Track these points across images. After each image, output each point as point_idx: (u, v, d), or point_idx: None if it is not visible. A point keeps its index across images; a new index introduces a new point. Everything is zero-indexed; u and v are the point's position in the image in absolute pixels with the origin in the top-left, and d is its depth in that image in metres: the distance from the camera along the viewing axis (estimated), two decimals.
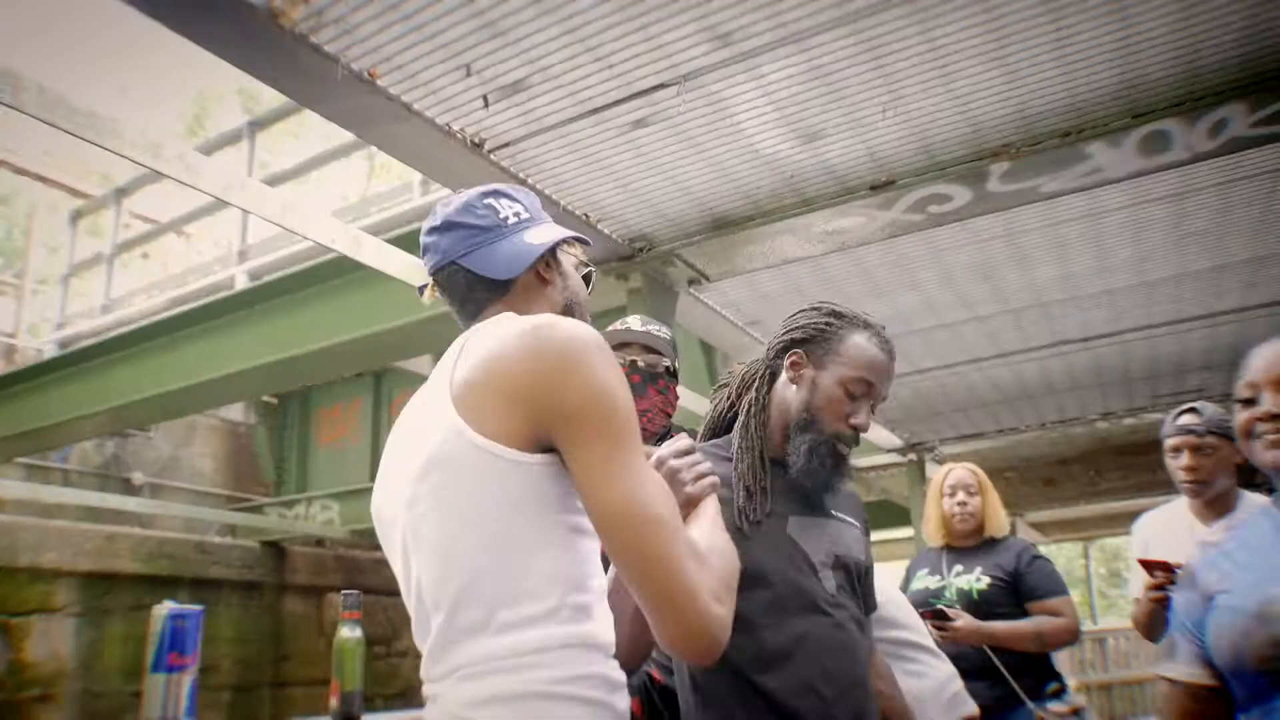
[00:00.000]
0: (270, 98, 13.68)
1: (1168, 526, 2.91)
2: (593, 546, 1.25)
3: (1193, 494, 2.77)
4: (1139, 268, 4.24)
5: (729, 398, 1.92)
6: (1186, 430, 2.76)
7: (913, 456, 7.27)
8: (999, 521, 3.58)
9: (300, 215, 3.28)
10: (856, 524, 1.87)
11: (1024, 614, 3.28)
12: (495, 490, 1.19)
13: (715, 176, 3.31)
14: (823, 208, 3.43)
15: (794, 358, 1.79)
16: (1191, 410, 2.79)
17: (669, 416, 2.44)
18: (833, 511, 1.82)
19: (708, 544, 1.24)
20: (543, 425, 1.19)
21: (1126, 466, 8.12)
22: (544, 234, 1.46)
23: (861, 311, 1.85)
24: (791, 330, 1.84)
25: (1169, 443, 2.82)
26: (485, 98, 2.86)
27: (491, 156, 3.13)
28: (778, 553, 1.70)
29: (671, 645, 1.16)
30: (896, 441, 7.06)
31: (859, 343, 1.76)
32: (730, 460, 1.78)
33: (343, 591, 2.07)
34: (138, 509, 9.57)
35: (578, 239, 1.54)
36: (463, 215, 1.44)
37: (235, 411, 13.26)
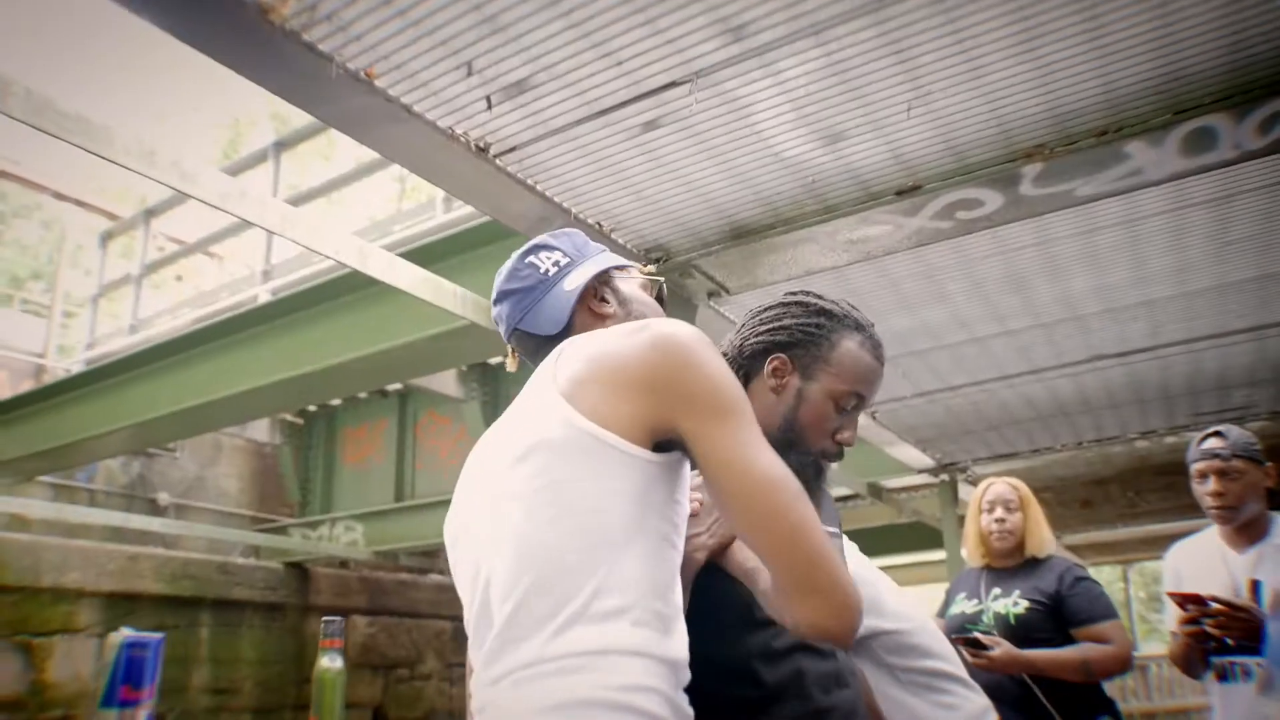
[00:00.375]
0: (299, 119, 13.77)
1: (1199, 556, 2.82)
2: (677, 561, 1.24)
3: (1222, 520, 2.69)
4: (1179, 278, 4.04)
5: None
6: (1212, 454, 2.70)
7: (945, 477, 7.04)
8: (1041, 540, 3.40)
9: (304, 226, 3.17)
10: (836, 531, 1.72)
11: (1068, 640, 3.10)
12: (600, 479, 1.18)
13: (733, 182, 3.17)
14: (846, 214, 3.28)
15: (776, 363, 1.61)
16: (1216, 434, 2.73)
17: None
18: None
19: None
20: (665, 415, 1.21)
21: (1167, 487, 7.84)
22: (581, 275, 1.51)
23: (850, 305, 1.67)
24: (774, 331, 1.65)
25: (1195, 468, 2.76)
26: (488, 99, 2.74)
27: (498, 161, 3.02)
28: None
29: (815, 621, 1.12)
30: (928, 462, 6.84)
31: (851, 350, 1.60)
32: None
33: (324, 618, 1.93)
34: (160, 529, 9.54)
35: (620, 266, 1.60)
36: (509, 283, 1.52)
37: (261, 431, 13.27)
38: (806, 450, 1.57)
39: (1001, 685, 2.97)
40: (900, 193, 3.16)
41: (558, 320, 1.45)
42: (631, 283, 1.57)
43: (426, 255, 5.16)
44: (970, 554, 3.51)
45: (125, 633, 1.55)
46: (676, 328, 1.29)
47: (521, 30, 2.47)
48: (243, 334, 6.64)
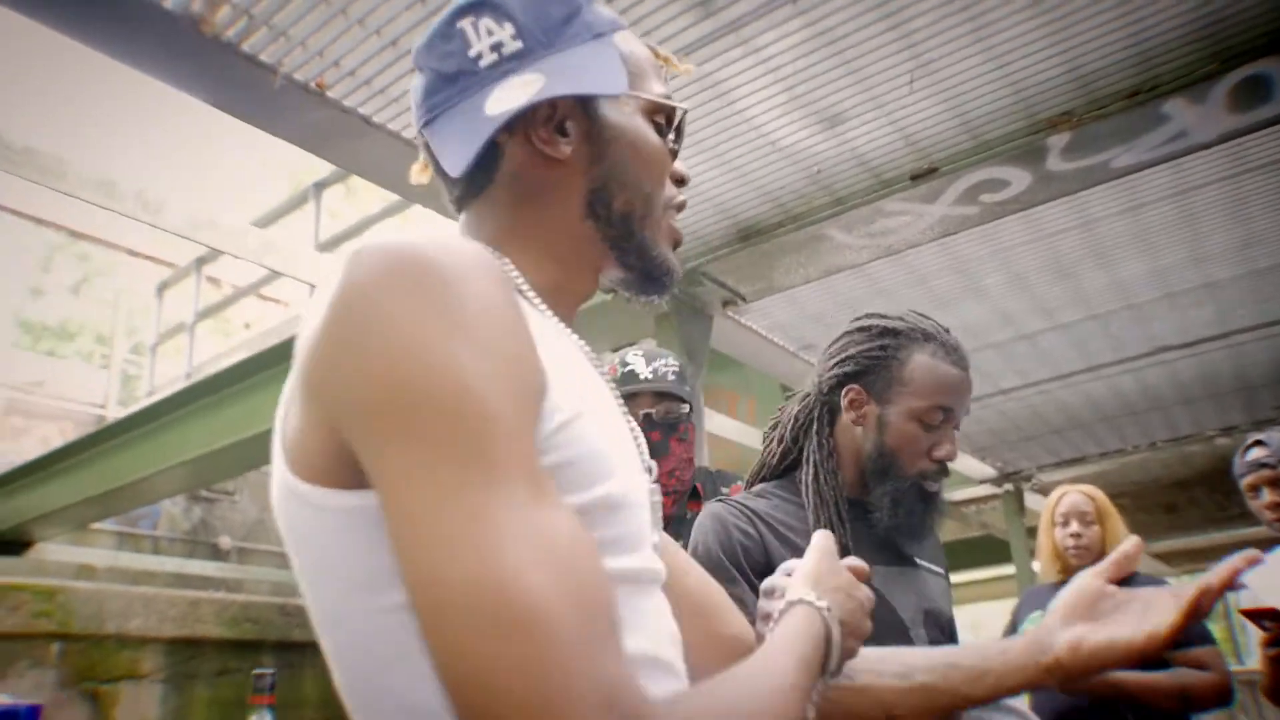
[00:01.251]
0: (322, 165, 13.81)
1: (1271, 575, 2.49)
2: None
3: None
4: (1244, 254, 3.66)
5: (782, 440, 1.62)
6: (1259, 465, 2.51)
7: (1009, 487, 6.64)
8: None
9: (281, 254, 3.01)
10: (940, 571, 1.63)
11: (1157, 665, 2.78)
12: (322, 562, 0.71)
13: (731, 177, 2.92)
14: (858, 205, 3.00)
15: (851, 395, 1.53)
16: (1259, 443, 2.54)
17: (693, 464, 2.15)
18: (916, 559, 1.58)
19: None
20: (340, 433, 0.65)
21: None
22: (523, 88, 0.81)
23: (917, 315, 1.57)
24: (840, 362, 1.56)
25: (1245, 481, 2.56)
26: None
27: None
28: (887, 606, 1.46)
29: None
30: (989, 471, 6.45)
31: (924, 363, 1.50)
32: (800, 505, 1.52)
33: (254, 672, 1.72)
34: (216, 574, 9.56)
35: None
36: (425, 53, 0.87)
37: None
38: (904, 476, 1.50)
39: (1086, 711, 2.68)
40: (915, 177, 2.88)
41: (460, 155, 0.81)
42: (622, 106, 0.85)
43: None
44: (1044, 569, 3.21)
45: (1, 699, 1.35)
46: (366, 260, 0.66)
47: None
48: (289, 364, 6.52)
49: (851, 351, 1.56)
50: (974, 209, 3.02)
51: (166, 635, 9.50)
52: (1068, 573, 3.08)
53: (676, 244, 0.89)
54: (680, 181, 0.89)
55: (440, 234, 0.69)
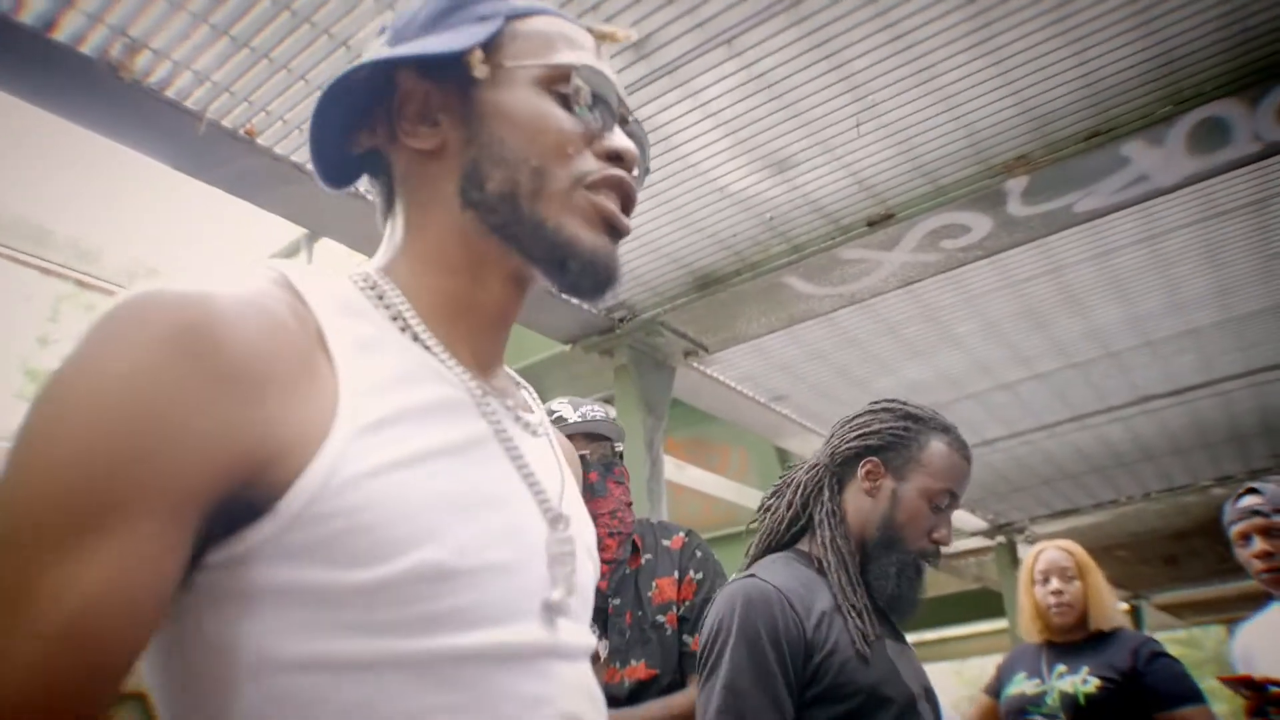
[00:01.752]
0: None
1: (1269, 634, 2.53)
2: None
3: (1274, 584, 2.41)
4: (1222, 301, 3.55)
5: (791, 505, 1.70)
6: (1252, 512, 2.45)
7: (1001, 539, 6.47)
8: (1107, 611, 2.97)
9: None
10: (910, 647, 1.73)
11: None
12: None
13: (680, 224, 2.83)
14: (816, 253, 2.91)
15: (869, 466, 1.65)
16: (1252, 491, 2.49)
17: (632, 508, 2.16)
18: (905, 636, 1.68)
19: None
20: None
21: None
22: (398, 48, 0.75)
23: (931, 410, 1.71)
24: (865, 435, 1.68)
25: (1235, 530, 2.49)
26: None
27: None
28: (896, 677, 1.52)
29: None
30: (980, 523, 6.29)
31: (941, 450, 1.64)
32: (814, 572, 1.59)
33: None
34: None
35: (485, 46, 0.74)
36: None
37: None
38: (906, 550, 1.59)
39: None
40: (872, 223, 2.79)
41: (315, 156, 0.77)
42: (500, 81, 0.74)
43: None
44: (1026, 629, 3.09)
45: None
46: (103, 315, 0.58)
47: None
48: None
49: (876, 427, 1.67)
50: (936, 255, 2.93)
51: None
52: (1050, 631, 2.97)
53: (612, 227, 0.73)
54: (614, 156, 0.74)
55: (191, 280, 0.59)
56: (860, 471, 1.65)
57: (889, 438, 1.66)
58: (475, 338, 0.74)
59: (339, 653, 0.58)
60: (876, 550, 1.59)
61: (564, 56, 0.74)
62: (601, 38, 0.80)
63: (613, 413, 2.17)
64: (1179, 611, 12.46)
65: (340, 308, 0.66)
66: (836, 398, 4.10)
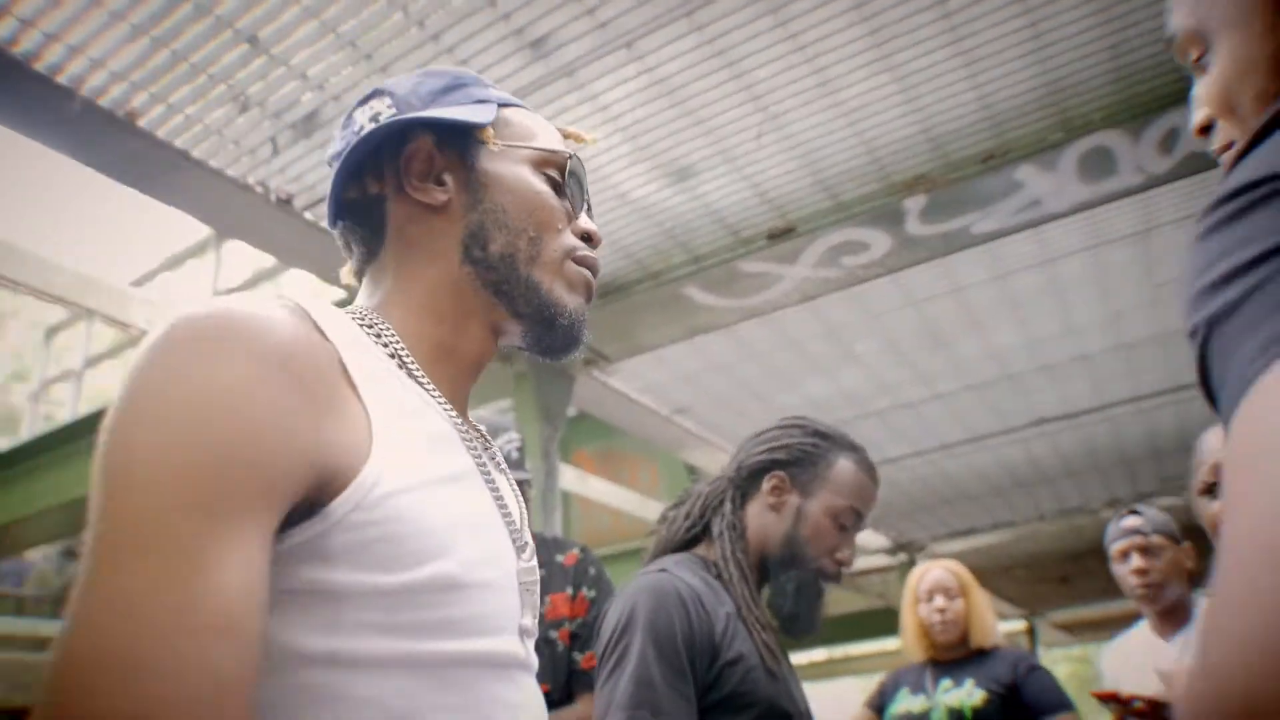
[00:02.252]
0: None
1: (1132, 652, 2.64)
2: None
3: (1147, 600, 2.53)
4: (1114, 327, 3.65)
5: (689, 515, 1.66)
6: (1133, 531, 2.57)
7: (903, 556, 6.56)
8: (986, 629, 3.07)
9: (104, 294, 2.78)
10: None
11: None
12: None
13: None
14: (716, 264, 2.90)
15: (776, 481, 1.61)
16: (1134, 512, 2.64)
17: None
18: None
19: None
20: None
21: None
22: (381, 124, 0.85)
23: (840, 430, 1.68)
24: (773, 450, 1.65)
25: (1115, 547, 2.60)
26: (274, 140, 2.38)
27: (306, 215, 2.64)
28: (790, 693, 1.49)
29: None
30: (883, 541, 6.37)
31: (849, 468, 1.61)
32: (712, 578, 1.54)
33: None
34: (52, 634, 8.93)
35: (479, 126, 0.84)
36: (335, 143, 0.88)
37: None
38: (808, 568, 1.57)
39: None
40: (773, 236, 2.79)
41: (333, 204, 0.86)
42: (500, 156, 0.85)
43: None
44: (909, 647, 3.15)
45: None
46: (166, 328, 0.65)
47: (298, 59, 2.13)
48: None
49: (785, 441, 1.64)
50: (836, 272, 2.94)
51: (16, 704, 8.86)
52: (934, 649, 3.03)
53: (588, 294, 0.86)
54: (586, 237, 0.87)
55: (246, 302, 0.66)
56: (766, 486, 1.62)
57: (797, 453, 1.63)
58: (454, 381, 0.82)
59: (359, 651, 0.65)
60: (777, 567, 1.56)
61: (553, 144, 0.87)
62: (567, 136, 0.92)
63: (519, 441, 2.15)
64: (1073, 629, 12.83)
65: (350, 341, 0.72)
66: (739, 411, 4.09)
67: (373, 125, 0.82)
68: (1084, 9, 2.10)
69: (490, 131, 0.83)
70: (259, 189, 2.51)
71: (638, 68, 2.16)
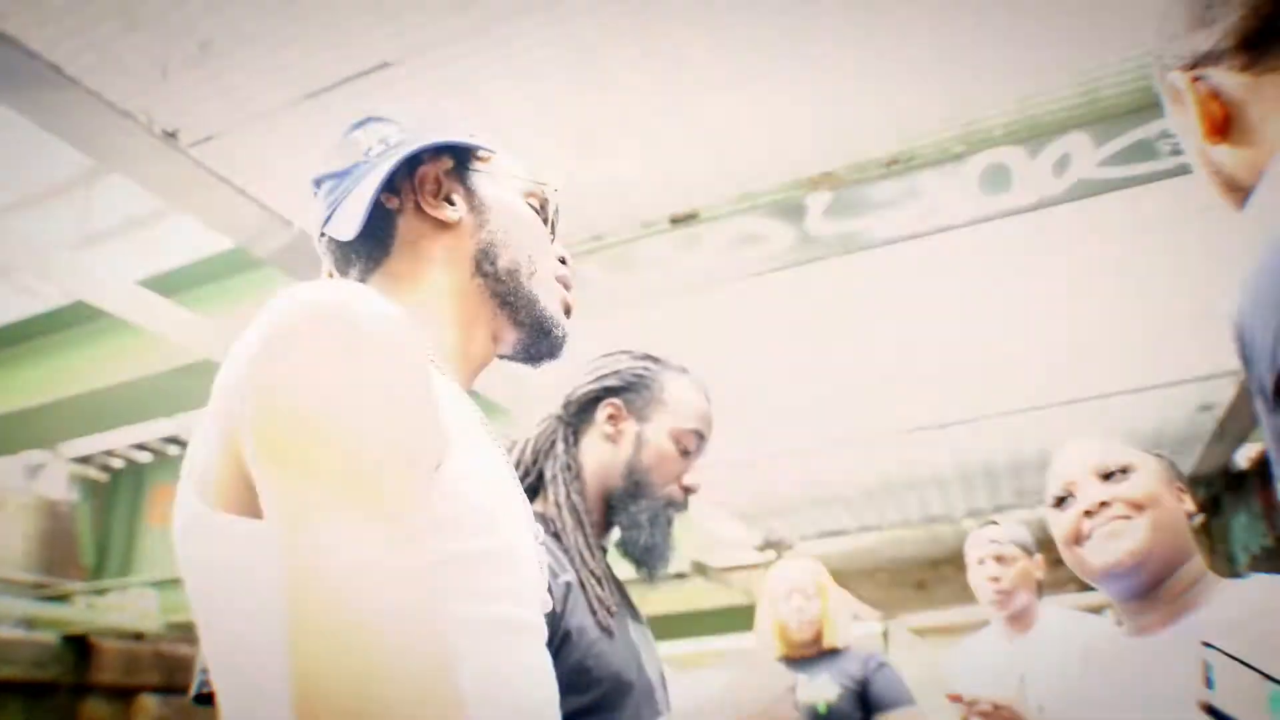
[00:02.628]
0: None
1: (979, 654, 2.85)
2: None
3: (999, 605, 2.72)
4: (986, 342, 3.78)
5: (520, 463, 1.55)
6: (990, 541, 2.76)
7: (771, 554, 6.68)
8: (840, 630, 3.13)
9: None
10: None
11: None
12: (228, 590, 0.76)
13: None
14: (617, 245, 2.87)
15: (610, 410, 1.53)
16: (992, 524, 2.85)
17: None
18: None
19: None
20: (245, 464, 0.72)
21: None
22: (404, 149, 0.94)
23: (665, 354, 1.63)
24: (603, 378, 1.56)
25: (973, 555, 2.80)
26: (164, 66, 2.24)
27: (192, 152, 2.49)
28: (637, 662, 1.43)
29: None
30: (752, 538, 6.47)
31: (685, 388, 1.56)
32: (554, 537, 1.44)
33: None
34: None
35: (478, 151, 0.99)
36: (325, 165, 0.98)
37: (57, 488, 12.08)
38: (655, 497, 1.51)
39: None
40: (675, 220, 2.77)
41: (353, 218, 0.90)
42: (498, 183, 0.98)
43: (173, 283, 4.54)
44: (765, 645, 3.18)
45: None
46: (294, 307, 0.72)
47: None
48: None
49: (615, 368, 1.57)
50: (736, 262, 2.95)
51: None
52: (789, 647, 3.07)
53: (568, 311, 0.99)
54: (562, 261, 1.01)
55: (364, 291, 0.74)
56: (600, 416, 1.53)
57: (630, 378, 1.55)
58: (463, 382, 0.91)
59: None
60: (623, 499, 1.50)
61: (538, 177, 1.02)
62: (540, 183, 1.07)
63: None
64: (925, 634, 13.36)
65: None
66: None
67: (383, 147, 0.93)
68: (987, 29, 2.14)
69: (493, 159, 0.98)
70: (142, 117, 2.35)
71: (557, 31, 2.11)
